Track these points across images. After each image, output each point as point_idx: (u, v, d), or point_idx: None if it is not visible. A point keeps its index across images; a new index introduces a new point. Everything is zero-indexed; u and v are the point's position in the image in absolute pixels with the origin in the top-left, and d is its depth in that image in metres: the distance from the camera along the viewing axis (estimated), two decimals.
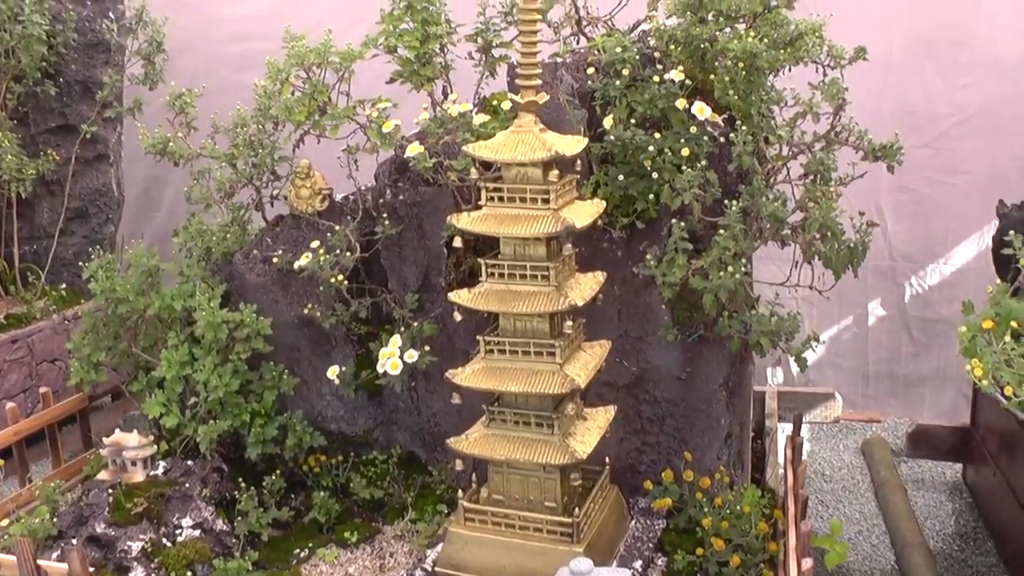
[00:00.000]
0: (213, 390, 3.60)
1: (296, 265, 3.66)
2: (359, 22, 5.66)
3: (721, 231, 3.05)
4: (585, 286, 3.01)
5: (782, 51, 3.08)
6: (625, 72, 3.16)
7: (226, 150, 4.09)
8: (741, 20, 3.24)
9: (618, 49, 3.15)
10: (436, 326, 3.65)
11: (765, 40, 3.07)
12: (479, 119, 3.52)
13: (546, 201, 2.86)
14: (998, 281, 3.65)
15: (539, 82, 2.86)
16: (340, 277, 3.57)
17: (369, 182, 4.04)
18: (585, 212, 2.96)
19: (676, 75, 3.14)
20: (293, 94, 3.80)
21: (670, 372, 3.53)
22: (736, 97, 3.08)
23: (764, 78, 3.16)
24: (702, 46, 3.19)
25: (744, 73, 3.05)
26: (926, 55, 5.16)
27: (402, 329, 3.64)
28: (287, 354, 3.92)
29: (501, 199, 2.91)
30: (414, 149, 3.28)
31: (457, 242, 2.97)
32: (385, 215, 3.68)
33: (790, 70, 3.29)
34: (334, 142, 3.91)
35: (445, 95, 3.95)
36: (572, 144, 2.89)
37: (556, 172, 2.84)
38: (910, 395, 5.59)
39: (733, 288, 3.03)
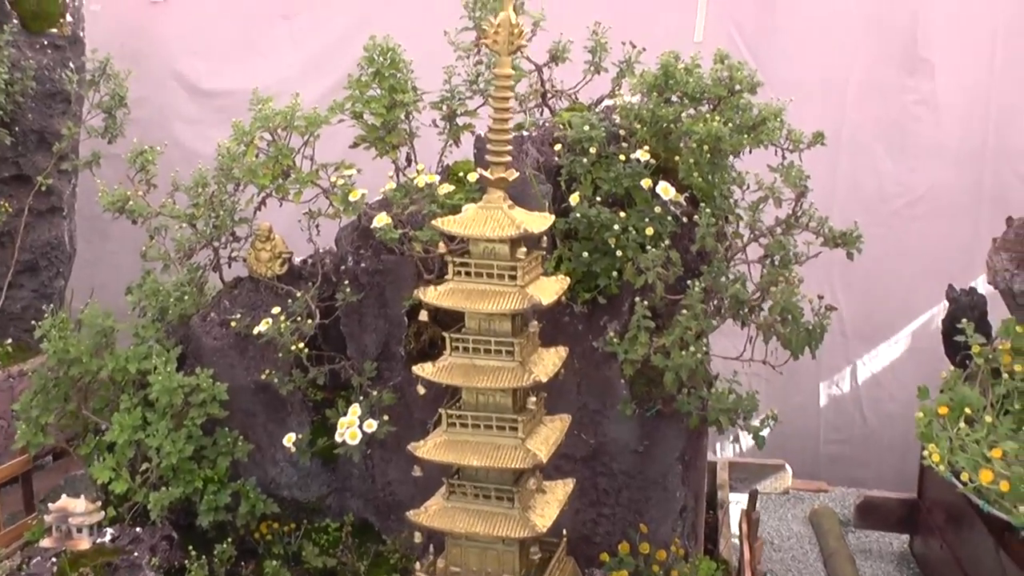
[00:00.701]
0: (166, 456, 3.53)
1: (255, 330, 3.63)
2: (322, 77, 5.81)
3: (684, 310, 3.10)
4: (548, 361, 3.03)
5: (745, 135, 3.17)
6: (592, 150, 3.22)
7: (186, 210, 4.08)
8: (705, 102, 3.33)
9: (586, 127, 3.21)
10: (395, 395, 3.63)
11: (729, 124, 3.16)
12: (444, 189, 3.55)
13: (513, 277, 2.89)
14: (948, 363, 3.76)
15: (509, 158, 2.90)
16: (301, 345, 3.55)
17: (329, 246, 4.05)
18: (550, 289, 2.99)
19: (642, 155, 3.21)
20: (258, 156, 3.80)
21: (627, 445, 3.56)
22: (699, 178, 3.15)
23: (726, 160, 3.25)
24: (667, 126, 3.26)
25: (708, 156, 3.13)
26: (875, 138, 5.34)
27: (360, 398, 3.62)
28: (242, 419, 3.86)
29: (468, 274, 2.92)
30: (381, 220, 3.29)
31: (423, 315, 2.97)
32: (347, 282, 3.68)
33: (750, 152, 3.38)
34: (294, 205, 3.92)
35: (409, 162, 3.99)
36: (540, 221, 2.93)
37: (523, 249, 2.87)
38: (858, 467, 5.67)
39: (694, 367, 3.07)
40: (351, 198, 3.40)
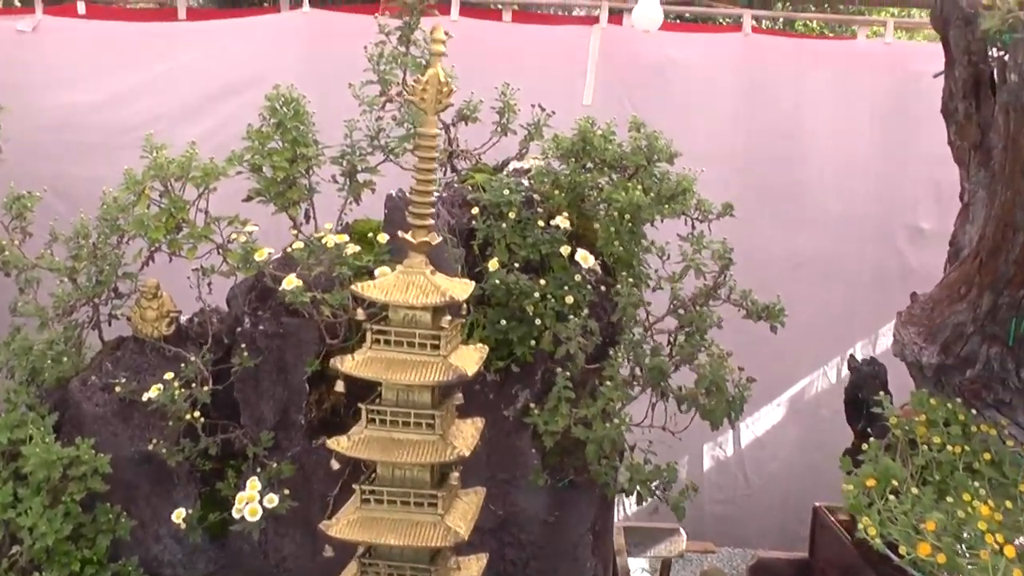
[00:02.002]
0: (40, 537, 3.21)
1: (144, 397, 3.38)
2: (193, 116, 5.58)
3: (608, 382, 3.05)
4: (467, 434, 2.92)
5: (665, 205, 3.18)
6: (511, 215, 3.17)
7: (65, 262, 3.79)
8: (623, 170, 3.33)
9: (505, 191, 3.16)
10: (294, 466, 3.44)
11: (650, 193, 3.16)
12: (349, 249, 3.42)
13: (436, 347, 2.77)
14: (835, 426, 3.87)
15: (432, 221, 2.80)
16: (197, 414, 3.32)
17: (216, 304, 3.84)
18: (471, 358, 2.88)
19: (561, 221, 3.18)
20: (149, 207, 3.57)
21: (537, 516, 3.47)
22: (620, 247, 3.14)
23: (642, 229, 3.25)
24: (585, 193, 3.25)
25: (629, 224, 3.12)
26: (761, 206, 5.51)
27: (258, 469, 3.41)
28: (124, 492, 3.56)
29: (388, 342, 2.79)
30: (291, 282, 3.12)
31: (339, 386, 2.81)
32: (243, 345, 3.47)
33: (662, 220, 3.40)
34: (184, 260, 3.70)
35: (308, 219, 3.84)
36: (462, 288, 2.84)
37: (448, 318, 2.77)
38: (741, 526, 5.76)
39: (615, 439, 3.03)
40: (257, 257, 3.21)
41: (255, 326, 3.53)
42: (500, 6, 5.79)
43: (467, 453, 2.78)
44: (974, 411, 3.07)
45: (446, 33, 3.49)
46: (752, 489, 5.74)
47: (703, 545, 5.49)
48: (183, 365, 3.45)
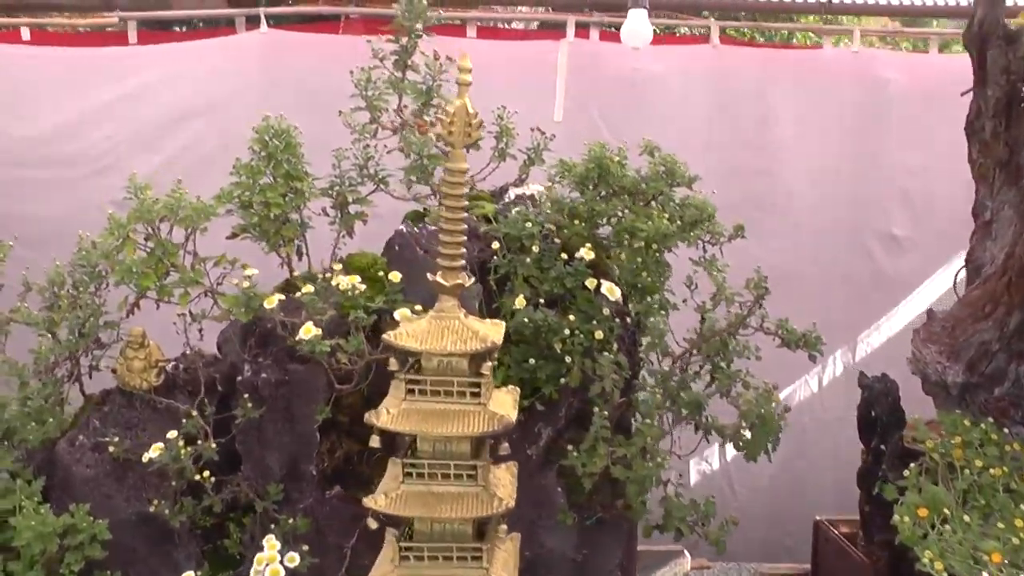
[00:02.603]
0: None
1: (145, 458, 3.16)
2: (150, 144, 5.32)
3: (646, 420, 2.95)
4: (506, 481, 2.79)
5: (690, 232, 3.10)
6: (535, 249, 3.04)
7: (40, 313, 3.54)
8: (638, 196, 3.23)
9: (527, 224, 3.03)
10: (309, 520, 3.25)
11: (676, 221, 3.08)
12: (345, 283, 3.23)
13: (476, 395, 2.64)
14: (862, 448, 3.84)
15: (463, 262, 2.67)
16: (206, 474, 3.12)
17: (197, 347, 3.65)
18: (508, 403, 2.75)
19: (586, 253, 3.07)
20: (135, 253, 3.35)
21: (565, 555, 3.35)
22: (648, 277, 3.04)
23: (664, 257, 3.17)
24: (605, 222, 3.14)
25: (655, 254, 3.03)
26: (735, 216, 5.47)
27: (271, 525, 3.22)
28: (122, 557, 3.31)
29: (423, 392, 2.65)
30: (309, 331, 2.95)
31: (375, 442, 2.65)
32: (246, 395, 3.28)
33: (678, 246, 3.31)
34: (168, 306, 3.49)
35: (300, 255, 3.66)
36: (497, 331, 2.70)
37: (489, 364, 2.63)
38: (730, 540, 5.72)
39: (654, 476, 2.94)
40: (267, 305, 3.02)
41: (256, 374, 3.34)
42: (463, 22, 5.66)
43: (512, 504, 2.65)
44: (1005, 430, 3.07)
45: (448, 58, 3.41)
46: (740, 502, 5.72)
47: (698, 561, 5.45)
48: (184, 420, 3.24)
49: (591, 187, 3.20)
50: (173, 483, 3.21)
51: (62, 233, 5.02)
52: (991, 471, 2.88)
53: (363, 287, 3.20)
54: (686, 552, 4.63)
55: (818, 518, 4.51)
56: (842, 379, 5.69)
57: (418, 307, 3.01)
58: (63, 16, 5.95)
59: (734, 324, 3.07)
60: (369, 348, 2.98)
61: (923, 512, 2.71)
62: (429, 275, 2.69)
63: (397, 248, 3.21)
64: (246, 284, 3.21)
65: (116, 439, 3.33)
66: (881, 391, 3.70)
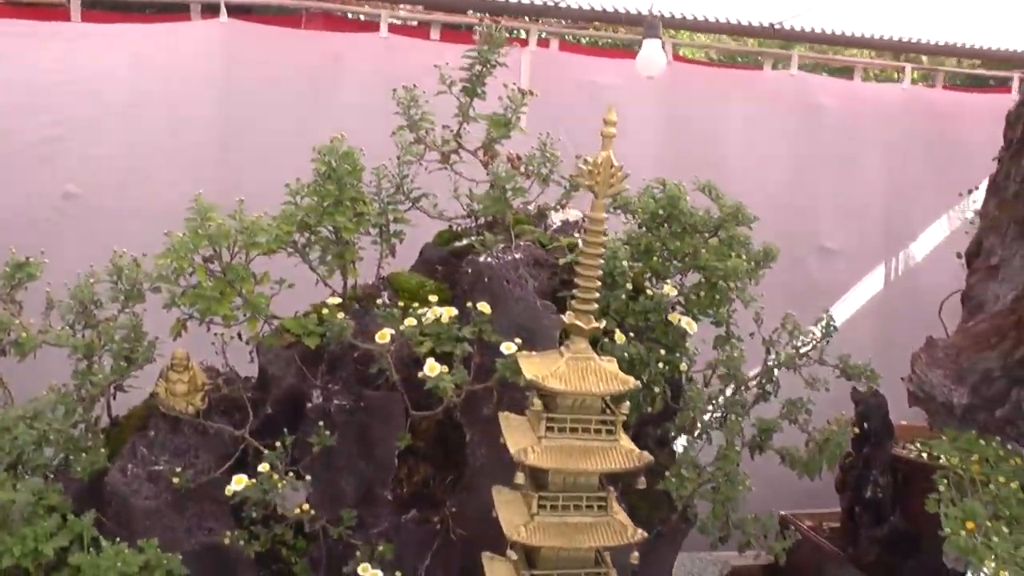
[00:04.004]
0: None
1: (228, 490, 3.08)
2: (97, 133, 4.97)
3: (735, 447, 3.18)
4: (621, 512, 2.94)
5: (756, 272, 3.33)
6: (629, 286, 3.19)
7: (78, 336, 3.34)
8: (705, 233, 3.43)
9: (624, 262, 3.17)
10: (392, 545, 3.28)
11: (745, 258, 3.30)
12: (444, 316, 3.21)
13: (610, 432, 2.78)
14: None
15: (596, 306, 2.78)
16: (306, 506, 3.07)
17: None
18: (625, 437, 2.91)
19: (668, 289, 3.24)
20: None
21: (626, 565, 3.54)
22: (723, 312, 3.26)
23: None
24: (682, 259, 3.32)
25: (730, 290, 3.25)
26: None
27: (361, 551, 3.20)
28: None
29: (562, 430, 2.76)
30: (434, 368, 2.96)
31: (519, 479, 2.73)
32: (321, 423, 3.25)
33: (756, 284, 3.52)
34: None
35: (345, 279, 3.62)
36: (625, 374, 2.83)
37: (627, 403, 2.77)
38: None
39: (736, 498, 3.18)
40: (379, 339, 3.01)
41: (328, 400, 3.31)
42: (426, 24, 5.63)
43: (645, 532, 2.81)
44: (1008, 446, 3.53)
45: (530, 92, 3.46)
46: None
47: None
48: (266, 451, 3.17)
49: (666, 224, 3.36)
50: (254, 513, 3.13)
51: (3, 222, 4.73)
52: (1011, 484, 3.33)
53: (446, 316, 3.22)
54: None
55: (783, 513, 4.91)
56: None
57: (517, 341, 3.09)
58: None
59: (794, 357, 3.32)
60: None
61: (970, 526, 3.10)
62: (565, 317, 2.79)
63: (487, 280, 3.25)
64: (328, 312, 3.16)
65: (178, 469, 3.23)
66: (874, 404, 4.10)
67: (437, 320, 3.08)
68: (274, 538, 3.24)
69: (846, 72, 6.55)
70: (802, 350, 3.35)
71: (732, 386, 3.34)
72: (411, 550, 3.31)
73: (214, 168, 4.85)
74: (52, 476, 3.29)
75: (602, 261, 2.76)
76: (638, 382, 2.73)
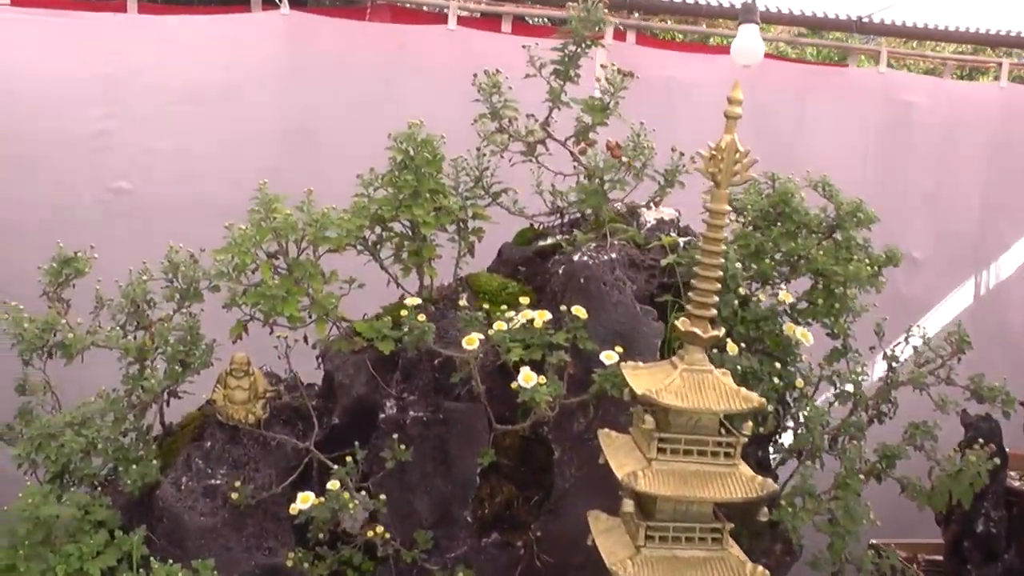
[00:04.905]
0: None
1: (293, 509, 2.78)
2: (152, 127, 4.74)
3: (857, 475, 2.84)
4: (737, 547, 2.60)
5: (877, 277, 2.99)
6: (741, 291, 2.86)
7: (131, 339, 3.08)
8: (819, 233, 3.09)
9: (737, 264, 2.84)
10: (471, 571, 2.96)
11: (866, 262, 2.97)
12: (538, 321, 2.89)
13: (728, 456, 2.45)
14: None
15: (714, 312, 2.46)
16: (380, 529, 2.78)
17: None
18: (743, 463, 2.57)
19: (784, 296, 2.91)
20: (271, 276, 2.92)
21: None
22: (843, 323, 2.93)
23: None
24: (794, 262, 2.99)
25: (852, 298, 2.91)
26: None
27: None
28: None
29: (675, 452, 2.43)
30: (529, 379, 2.64)
31: (628, 507, 2.41)
32: (395, 436, 2.94)
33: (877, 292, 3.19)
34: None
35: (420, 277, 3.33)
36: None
37: (749, 423, 2.44)
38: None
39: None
40: (467, 346, 2.70)
41: (403, 411, 3.01)
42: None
43: (765, 571, 2.48)
44: None
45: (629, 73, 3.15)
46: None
47: None
48: (335, 466, 2.87)
49: (779, 223, 3.03)
50: (319, 534, 2.84)
51: (51, 219, 4.50)
52: None
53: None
54: None
55: (873, 541, 4.54)
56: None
57: (618, 349, 2.77)
58: None
59: (920, 376, 2.95)
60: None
61: None
62: (679, 323, 2.46)
63: (582, 281, 2.93)
64: (404, 312, 2.87)
65: (228, 482, 2.96)
66: (986, 430, 3.73)
67: (527, 325, 2.76)
68: (339, 559, 2.93)
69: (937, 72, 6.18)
70: (926, 368, 2.99)
71: (850, 406, 2.98)
72: (491, 574, 3.00)
73: (275, 163, 4.57)
74: (100, 488, 3.02)
75: (722, 260, 2.43)
76: (761, 401, 2.38)
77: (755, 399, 2.40)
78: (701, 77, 5.36)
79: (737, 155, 2.41)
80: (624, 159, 3.01)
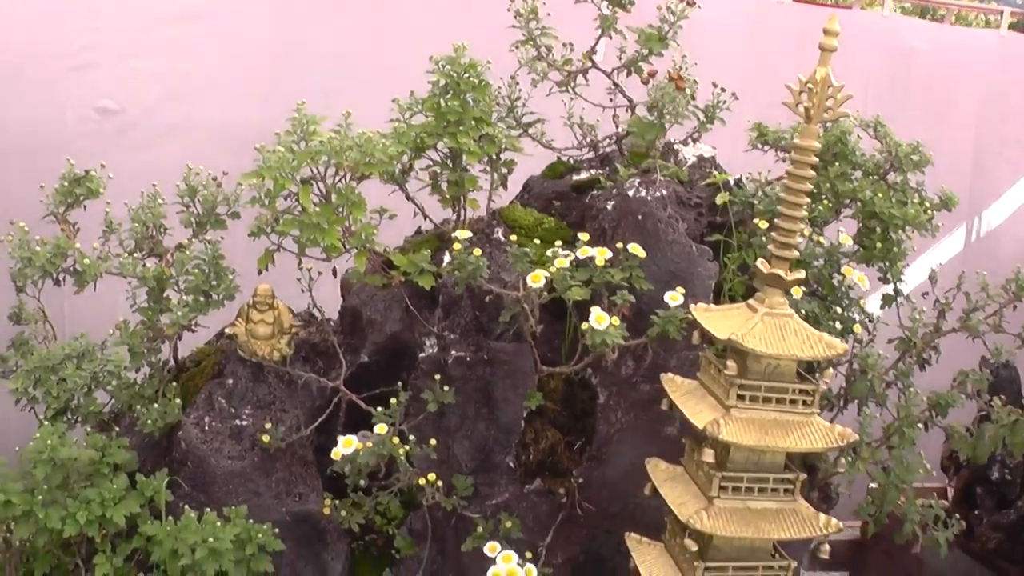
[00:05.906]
0: None
1: (336, 454, 2.61)
2: (138, 44, 4.42)
3: (915, 424, 2.78)
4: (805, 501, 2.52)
5: (931, 221, 2.91)
6: (807, 231, 2.75)
7: (146, 266, 2.85)
8: (871, 174, 2.99)
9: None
10: (515, 519, 2.84)
11: (925, 205, 2.88)
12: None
13: (806, 404, 2.35)
14: None
15: (797, 253, 2.34)
16: (432, 476, 2.63)
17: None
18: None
19: (844, 240, 2.81)
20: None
21: None
22: (898, 267, 2.85)
23: None
24: (850, 203, 2.89)
25: (900, 243, 2.83)
26: None
27: (480, 524, 2.76)
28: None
29: (754, 399, 2.33)
30: (602, 319, 2.49)
31: (707, 456, 2.30)
32: (438, 377, 2.79)
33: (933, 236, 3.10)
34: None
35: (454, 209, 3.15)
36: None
37: (831, 371, 2.35)
38: None
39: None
40: (531, 281, 2.55)
41: (445, 351, 2.86)
42: None
43: (841, 525, 2.40)
44: None
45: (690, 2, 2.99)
46: None
47: None
48: (378, 409, 2.71)
49: (835, 163, 2.91)
50: (358, 479, 2.68)
51: (31, 140, 4.18)
52: None
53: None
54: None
55: (872, 485, 4.55)
56: None
57: (680, 289, 2.65)
58: None
59: (978, 324, 2.88)
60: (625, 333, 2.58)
61: None
62: (760, 264, 2.35)
63: (639, 217, 2.78)
64: (456, 247, 2.70)
65: (254, 423, 2.79)
66: (1006, 377, 3.73)
67: (586, 263, 2.62)
68: (376, 506, 2.80)
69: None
70: (977, 316, 2.92)
71: (900, 353, 2.92)
72: (532, 525, 2.89)
73: (270, 86, 4.30)
74: (112, 428, 2.82)
75: (808, 200, 2.31)
76: (845, 348, 2.28)
77: (838, 345, 2.31)
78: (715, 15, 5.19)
79: (831, 89, 2.27)
80: (688, 91, 2.84)
